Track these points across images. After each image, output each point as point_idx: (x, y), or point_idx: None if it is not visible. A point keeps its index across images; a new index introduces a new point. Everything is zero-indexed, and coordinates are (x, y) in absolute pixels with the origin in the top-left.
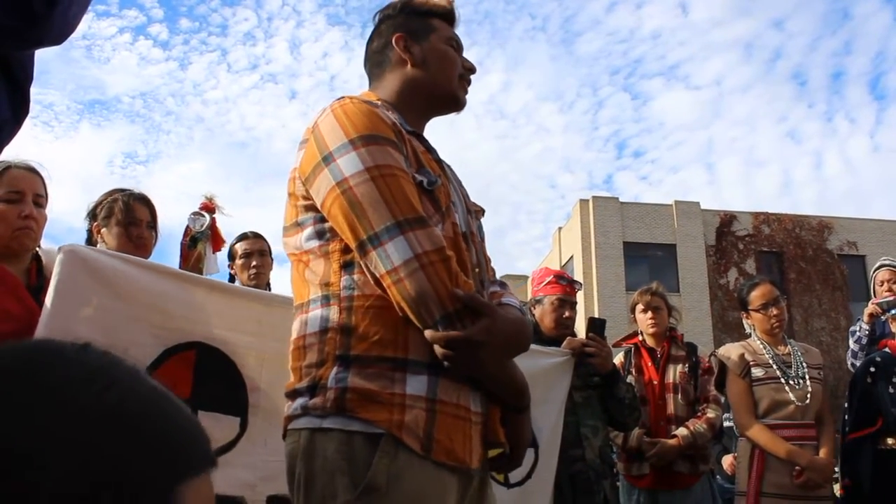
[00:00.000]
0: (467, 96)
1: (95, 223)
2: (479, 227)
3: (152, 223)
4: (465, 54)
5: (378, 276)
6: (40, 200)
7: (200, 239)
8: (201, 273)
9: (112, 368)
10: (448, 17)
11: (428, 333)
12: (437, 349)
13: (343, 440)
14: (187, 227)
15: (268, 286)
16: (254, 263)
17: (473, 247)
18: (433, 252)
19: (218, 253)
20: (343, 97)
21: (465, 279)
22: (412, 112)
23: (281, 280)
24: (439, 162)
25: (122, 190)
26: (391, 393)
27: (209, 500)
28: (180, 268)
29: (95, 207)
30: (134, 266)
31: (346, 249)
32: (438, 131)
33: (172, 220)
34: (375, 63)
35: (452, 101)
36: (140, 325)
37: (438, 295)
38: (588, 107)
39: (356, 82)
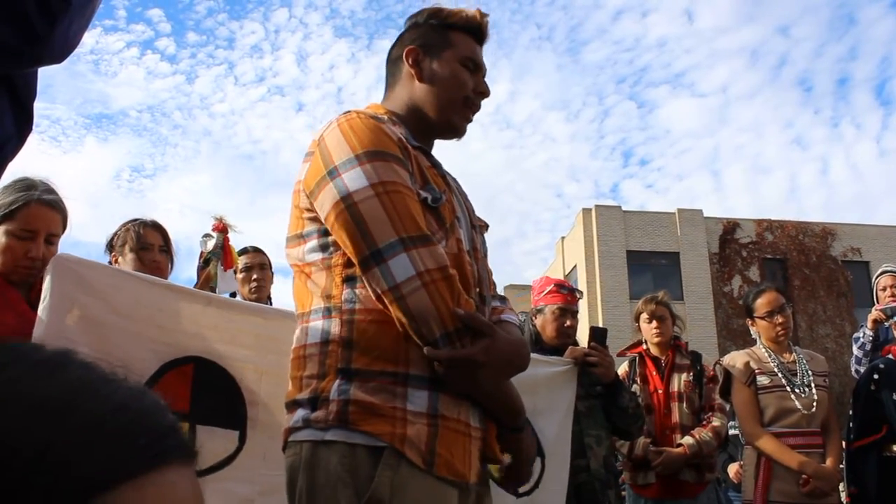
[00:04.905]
0: (469, 123)
1: (113, 253)
2: (483, 242)
3: (165, 247)
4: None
5: (380, 292)
6: (53, 238)
7: (212, 259)
8: (214, 292)
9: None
10: (476, 32)
11: (427, 351)
12: (436, 366)
13: (346, 452)
14: (201, 250)
15: (269, 300)
16: (254, 277)
17: (476, 263)
18: (435, 270)
19: (232, 271)
20: (350, 111)
21: (467, 298)
22: (418, 127)
23: (282, 293)
24: (444, 177)
25: (135, 219)
26: (393, 407)
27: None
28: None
29: (112, 239)
30: (131, 280)
31: (348, 263)
32: (444, 141)
33: (179, 234)
34: (390, 72)
35: (449, 129)
36: (137, 340)
37: (440, 313)
38: (594, 115)
39: (363, 94)
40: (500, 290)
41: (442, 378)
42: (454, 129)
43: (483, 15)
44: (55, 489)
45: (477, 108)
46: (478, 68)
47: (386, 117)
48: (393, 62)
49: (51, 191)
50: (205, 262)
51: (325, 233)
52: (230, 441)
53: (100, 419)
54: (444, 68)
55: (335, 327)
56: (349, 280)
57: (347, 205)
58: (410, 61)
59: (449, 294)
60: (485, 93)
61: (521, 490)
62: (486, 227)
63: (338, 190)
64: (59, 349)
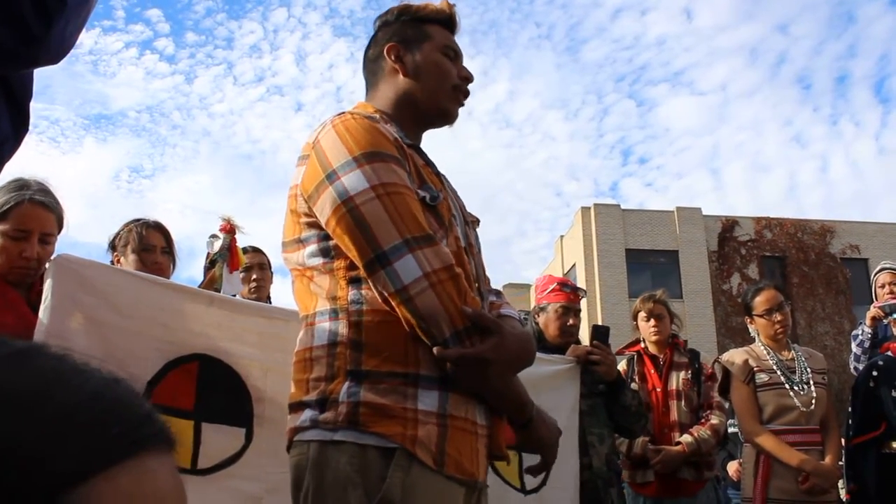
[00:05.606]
0: (461, 108)
1: (115, 253)
2: (476, 238)
3: (168, 248)
4: (470, 64)
5: (387, 294)
6: (48, 238)
7: (218, 260)
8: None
9: None
10: (447, 23)
11: (437, 350)
12: (448, 366)
13: (355, 453)
14: (207, 251)
15: (268, 299)
16: (254, 277)
17: (472, 259)
18: (442, 270)
19: (238, 272)
20: (343, 112)
21: (473, 296)
22: (407, 123)
23: (282, 293)
24: (438, 175)
25: (138, 220)
26: (404, 408)
27: (141, 494)
28: None
29: (114, 239)
30: (133, 280)
31: (351, 266)
32: (443, 140)
33: (179, 234)
34: (371, 71)
35: (443, 116)
36: (141, 339)
37: (448, 313)
38: (593, 114)
39: (362, 94)
40: (498, 289)
41: (452, 377)
42: (447, 115)
43: (451, 5)
44: (27, 483)
45: (466, 93)
46: (457, 56)
47: (378, 116)
48: (373, 61)
49: (45, 191)
50: (211, 262)
51: (325, 237)
52: (237, 438)
53: (71, 410)
54: (428, 59)
55: (343, 329)
56: (354, 282)
57: (349, 208)
58: (393, 57)
59: (456, 293)
60: (469, 78)
61: (530, 487)
62: (477, 222)
63: (338, 193)
64: (30, 342)
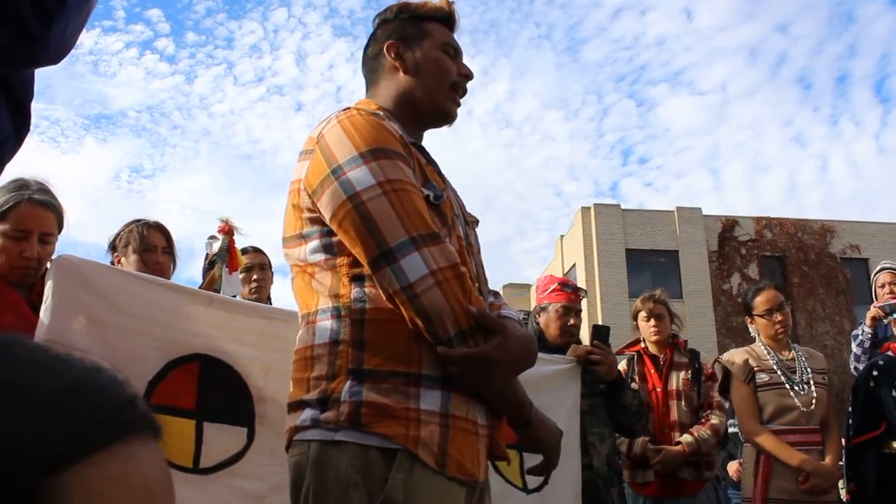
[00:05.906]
0: (460, 108)
1: (116, 254)
2: (476, 238)
3: (168, 249)
4: (470, 63)
5: (391, 292)
6: (48, 238)
7: (217, 261)
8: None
9: None
10: (447, 20)
11: (440, 350)
12: (450, 366)
13: (357, 454)
14: (206, 252)
15: (269, 300)
16: (254, 277)
17: (472, 259)
18: (448, 268)
19: (237, 273)
20: (349, 108)
21: (477, 295)
22: (408, 121)
23: (282, 293)
24: (440, 174)
25: (138, 220)
26: (406, 408)
27: (126, 479)
28: None
29: (115, 239)
30: (133, 280)
31: (354, 263)
32: (443, 141)
33: (179, 234)
34: (371, 69)
35: (441, 115)
36: (141, 339)
37: (453, 312)
38: (593, 114)
39: (362, 94)
40: (498, 289)
41: (455, 377)
42: (445, 115)
43: (450, 3)
44: (9, 470)
45: (464, 91)
46: (457, 53)
47: (382, 113)
48: (372, 59)
49: (44, 190)
50: (210, 264)
51: (329, 233)
52: (239, 438)
53: (52, 398)
54: (428, 57)
55: (345, 327)
56: (357, 279)
57: (355, 204)
58: (393, 55)
59: (461, 292)
60: (469, 75)
61: (532, 486)
62: (476, 222)
63: (343, 189)
64: (8, 335)
